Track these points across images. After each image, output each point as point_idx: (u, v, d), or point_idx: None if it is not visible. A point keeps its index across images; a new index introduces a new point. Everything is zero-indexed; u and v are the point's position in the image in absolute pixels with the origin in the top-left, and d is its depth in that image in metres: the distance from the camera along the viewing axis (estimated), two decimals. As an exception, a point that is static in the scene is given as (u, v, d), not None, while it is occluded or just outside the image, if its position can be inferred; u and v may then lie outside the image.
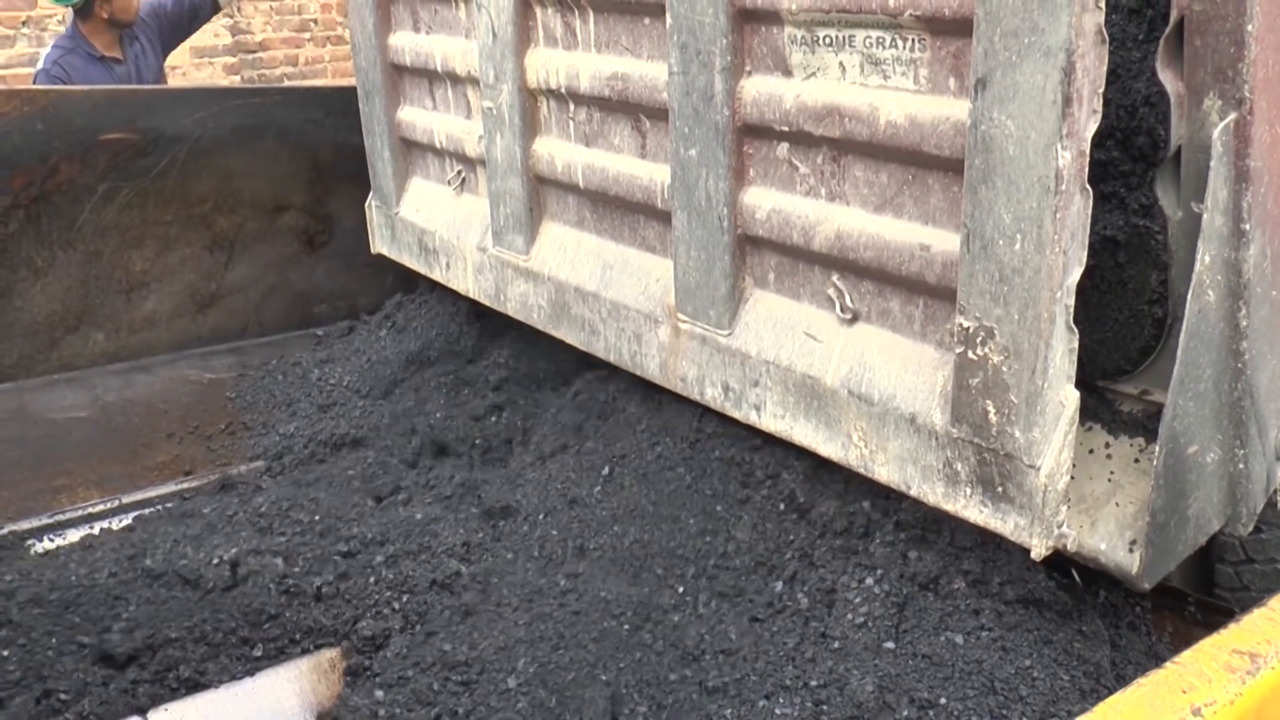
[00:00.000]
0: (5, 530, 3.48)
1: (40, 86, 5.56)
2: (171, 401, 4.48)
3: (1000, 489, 2.21)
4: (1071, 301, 2.06)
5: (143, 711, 2.77)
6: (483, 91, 3.62)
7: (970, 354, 2.19)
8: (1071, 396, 2.12)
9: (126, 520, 3.64)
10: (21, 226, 4.41)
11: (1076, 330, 2.09)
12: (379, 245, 4.66)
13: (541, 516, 3.31)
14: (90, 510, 3.72)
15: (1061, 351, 2.09)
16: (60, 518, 3.66)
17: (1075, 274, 2.05)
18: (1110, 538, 2.24)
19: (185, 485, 3.87)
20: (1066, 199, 1.98)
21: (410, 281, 4.62)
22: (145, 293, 4.77)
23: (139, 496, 3.80)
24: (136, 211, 4.64)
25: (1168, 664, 1.76)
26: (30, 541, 3.45)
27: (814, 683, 2.50)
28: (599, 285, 3.32)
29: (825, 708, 2.41)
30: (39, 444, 4.13)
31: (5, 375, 4.50)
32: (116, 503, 3.76)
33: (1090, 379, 2.50)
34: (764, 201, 2.72)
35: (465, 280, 4.02)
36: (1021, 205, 2.03)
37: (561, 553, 3.18)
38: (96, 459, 4.05)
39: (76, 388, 4.55)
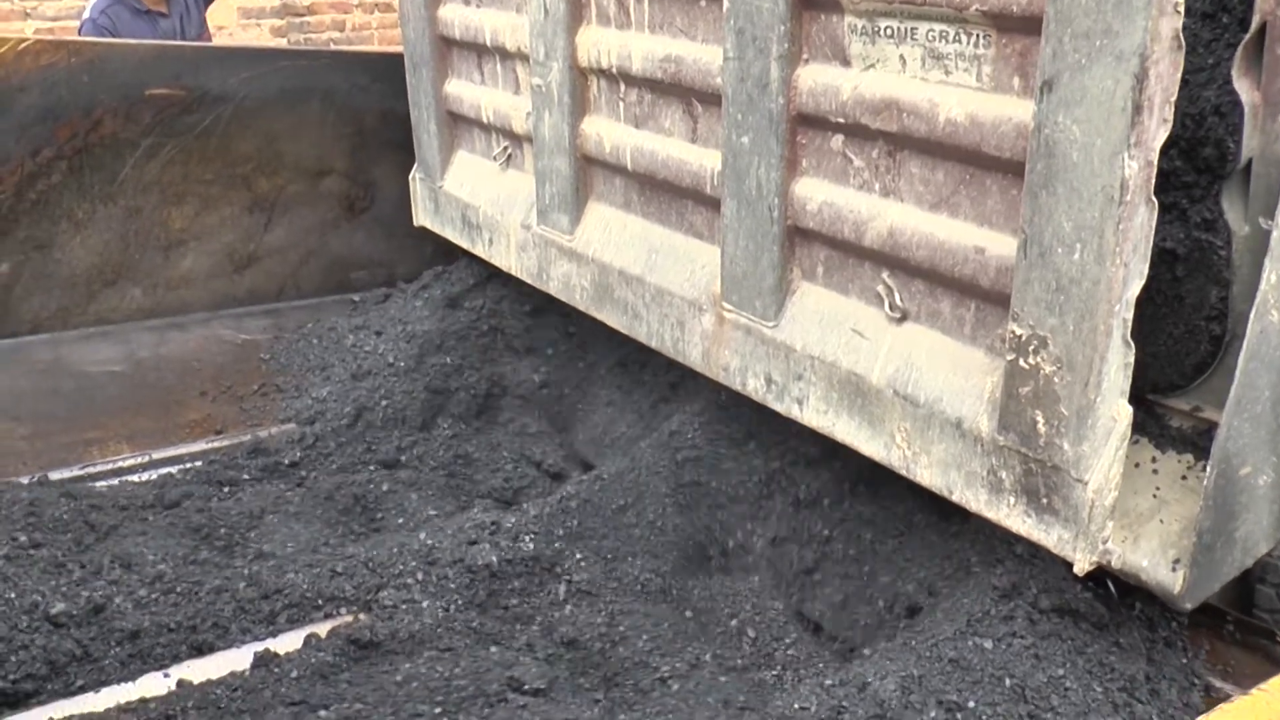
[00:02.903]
0: (36, 478, 3.50)
1: (88, 38, 5.55)
2: (205, 360, 4.50)
3: (1045, 501, 2.18)
4: (1130, 315, 2.02)
5: (164, 668, 2.79)
6: (532, 68, 3.59)
7: (1022, 362, 2.16)
8: (1124, 412, 2.08)
9: (154, 475, 3.65)
10: (64, 178, 4.43)
11: (1133, 345, 2.05)
12: (422, 218, 4.64)
13: (563, 499, 3.30)
14: (120, 464, 3.73)
15: (1116, 366, 2.05)
16: (91, 469, 3.68)
17: (1135, 287, 2.00)
18: (1153, 555, 2.20)
19: (216, 444, 3.87)
20: (1131, 210, 1.94)
21: (449, 253, 4.60)
22: (184, 250, 4.78)
23: (170, 453, 3.81)
24: (178, 168, 4.65)
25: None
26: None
27: (828, 681, 2.49)
28: (643, 269, 3.29)
29: (846, 704, 2.39)
30: (73, 396, 4.15)
31: (42, 326, 4.54)
32: (147, 458, 3.77)
33: (1140, 392, 2.45)
34: (816, 193, 2.68)
35: (508, 257, 4.00)
36: (1083, 214, 1.99)
37: (592, 530, 3.19)
38: (129, 414, 4.07)
39: (112, 342, 4.58)
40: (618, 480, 3.26)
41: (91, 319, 4.64)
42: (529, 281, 3.91)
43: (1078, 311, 2.03)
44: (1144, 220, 1.96)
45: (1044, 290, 2.09)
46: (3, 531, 3.07)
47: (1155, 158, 1.93)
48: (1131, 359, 2.06)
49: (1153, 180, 1.94)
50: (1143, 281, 2.01)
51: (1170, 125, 1.93)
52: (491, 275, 4.36)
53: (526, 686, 2.67)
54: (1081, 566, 2.14)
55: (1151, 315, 2.37)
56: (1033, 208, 2.08)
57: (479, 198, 4.16)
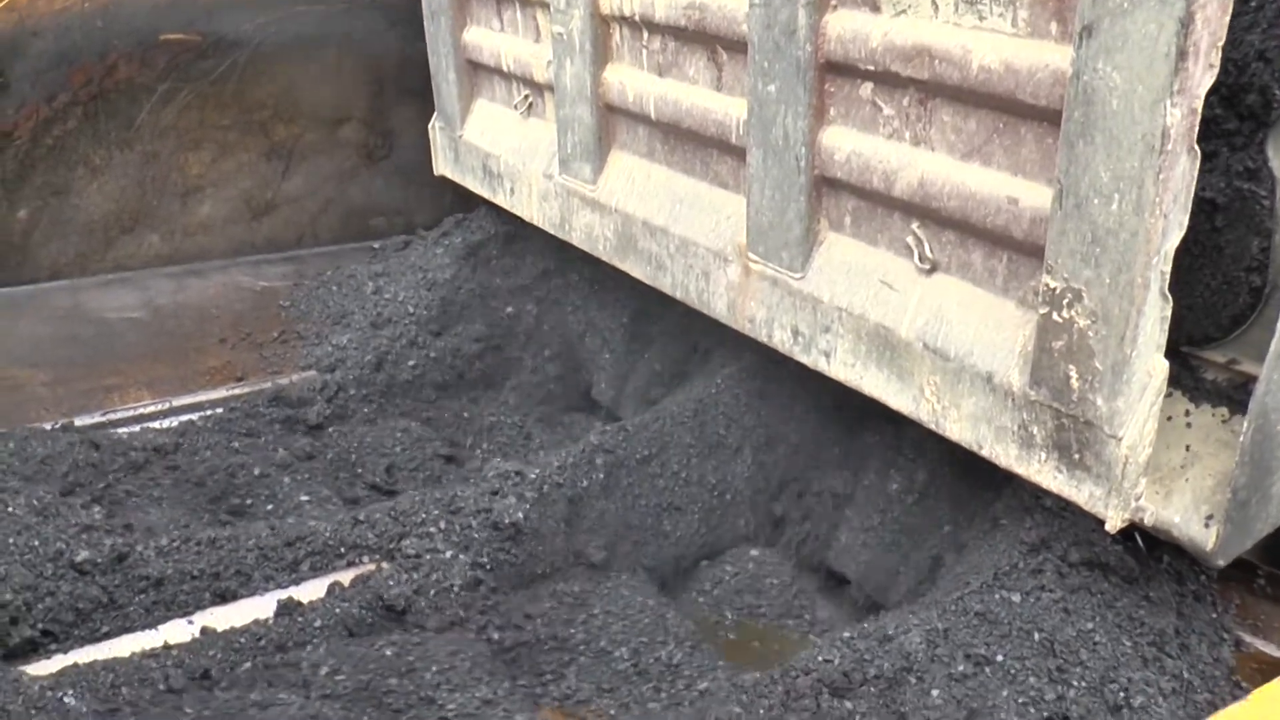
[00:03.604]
0: (58, 424, 3.49)
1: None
2: (224, 308, 4.48)
3: (1077, 457, 2.15)
4: (1168, 268, 1.98)
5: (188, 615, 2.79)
6: (553, 16, 3.52)
7: (1055, 315, 2.12)
8: (1160, 367, 2.05)
9: (175, 423, 3.65)
10: (79, 124, 4.39)
11: (1170, 298, 2.01)
12: (442, 167, 4.60)
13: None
14: (142, 411, 3.73)
15: (1153, 319, 2.01)
16: (113, 416, 3.67)
17: (1174, 239, 1.96)
18: (1185, 511, 2.18)
19: (237, 392, 3.87)
20: (1172, 160, 1.89)
21: (470, 200, 4.56)
22: (201, 197, 4.75)
23: (189, 400, 3.81)
24: (195, 114, 4.61)
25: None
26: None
27: (848, 634, 2.48)
28: (667, 219, 3.24)
29: (869, 656, 2.38)
30: (92, 343, 4.14)
31: (61, 272, 4.52)
32: (167, 405, 3.77)
33: (1174, 344, 2.41)
34: (844, 143, 2.64)
35: (530, 207, 3.96)
36: (1122, 164, 1.95)
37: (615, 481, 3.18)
38: (148, 361, 4.07)
39: (130, 288, 4.57)
40: (642, 431, 3.24)
41: (110, 265, 4.62)
42: (551, 231, 3.88)
43: (1114, 264, 1.99)
44: (1185, 170, 1.92)
45: (1079, 242, 2.05)
46: (26, 481, 3.08)
47: (1199, 105, 1.88)
48: (1169, 312, 2.02)
49: (1196, 129, 1.89)
50: (1182, 233, 1.97)
51: (1216, 71, 1.88)
52: (513, 223, 4.32)
53: None
54: (1114, 524, 2.12)
55: (1188, 266, 2.32)
56: (1069, 157, 2.03)
57: (500, 147, 4.11)
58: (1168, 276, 1.99)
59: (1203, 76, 1.86)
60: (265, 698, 2.48)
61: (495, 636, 2.79)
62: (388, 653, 2.64)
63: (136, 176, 4.59)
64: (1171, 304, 2.02)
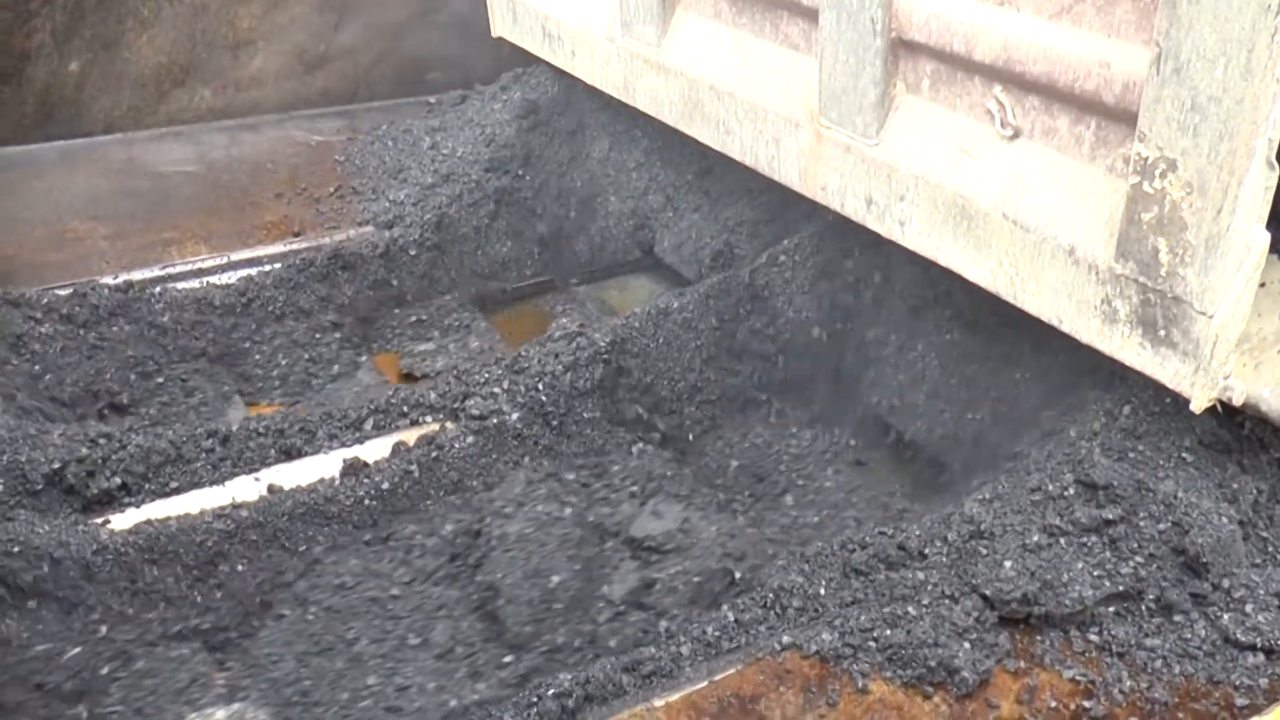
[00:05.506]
0: (120, 279, 3.50)
1: None
2: (279, 162, 4.44)
3: (1163, 333, 2.09)
4: (1277, 136, 1.88)
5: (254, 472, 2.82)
6: None
7: (1146, 186, 2.04)
8: (1259, 240, 1.97)
9: (234, 278, 3.65)
10: (126, -27, 4.30)
11: (1277, 166, 1.92)
12: (500, 28, 4.46)
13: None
14: (200, 265, 3.72)
15: (1255, 190, 1.93)
16: (171, 270, 3.67)
17: (1286, 106, 1.87)
18: (1275, 384, 2.12)
19: (295, 247, 3.84)
20: (1290, 21, 1.79)
21: (526, 54, 4.45)
22: (252, 50, 4.67)
23: (248, 255, 3.79)
24: (241, -36, 4.50)
25: None
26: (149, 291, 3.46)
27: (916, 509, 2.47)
28: (735, 83, 3.14)
29: (934, 529, 2.37)
30: (149, 197, 4.12)
31: (115, 126, 4.49)
32: (225, 260, 3.75)
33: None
34: (923, 3, 2.52)
35: (591, 70, 3.85)
36: (1231, 25, 1.84)
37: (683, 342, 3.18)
38: (205, 215, 4.05)
39: (184, 142, 4.53)
40: (718, 293, 3.22)
41: (163, 119, 4.58)
42: (614, 95, 3.77)
43: (1215, 132, 1.91)
44: (1304, 32, 1.81)
45: (1177, 109, 1.96)
46: (91, 346, 3.10)
47: None
48: (1274, 182, 1.94)
49: None
50: (1296, 100, 1.87)
51: None
52: (573, 78, 4.21)
53: None
54: (1199, 404, 2.07)
55: None
56: (1170, 17, 1.93)
57: (560, 7, 3.98)
58: (1275, 144, 1.90)
59: (1332, -73, 1.75)
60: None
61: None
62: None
63: (186, 29, 4.50)
64: (1278, 172, 1.93)
